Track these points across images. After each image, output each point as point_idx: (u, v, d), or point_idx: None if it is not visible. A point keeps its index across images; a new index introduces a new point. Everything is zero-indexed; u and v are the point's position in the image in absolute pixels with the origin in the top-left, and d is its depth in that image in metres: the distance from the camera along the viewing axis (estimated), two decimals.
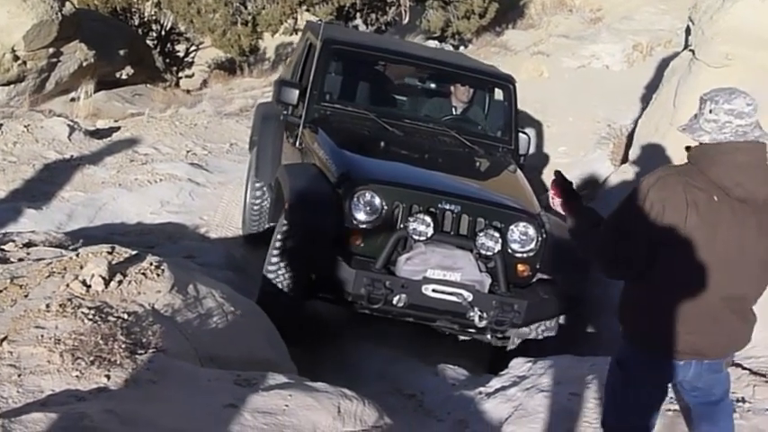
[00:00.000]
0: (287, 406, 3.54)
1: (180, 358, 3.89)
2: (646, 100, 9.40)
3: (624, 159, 7.99)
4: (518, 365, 5.19)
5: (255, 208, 7.51)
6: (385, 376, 5.55)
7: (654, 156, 7.10)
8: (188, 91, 16.78)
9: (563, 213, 3.65)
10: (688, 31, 7.86)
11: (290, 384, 3.79)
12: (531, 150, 7.41)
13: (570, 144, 10.16)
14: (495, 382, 5.07)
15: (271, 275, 5.50)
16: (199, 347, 4.19)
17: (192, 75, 20.07)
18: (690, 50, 7.51)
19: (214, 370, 3.95)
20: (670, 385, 3.49)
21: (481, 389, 5.06)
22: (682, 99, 6.96)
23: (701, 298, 3.20)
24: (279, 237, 5.56)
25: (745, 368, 4.88)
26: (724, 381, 3.48)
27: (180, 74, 19.56)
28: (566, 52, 13.38)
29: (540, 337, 5.74)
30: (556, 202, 3.66)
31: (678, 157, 6.71)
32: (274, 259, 5.50)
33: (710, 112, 3.18)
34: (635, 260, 3.24)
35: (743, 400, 4.47)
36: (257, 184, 7.50)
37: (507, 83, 7.05)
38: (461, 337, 6.02)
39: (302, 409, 3.54)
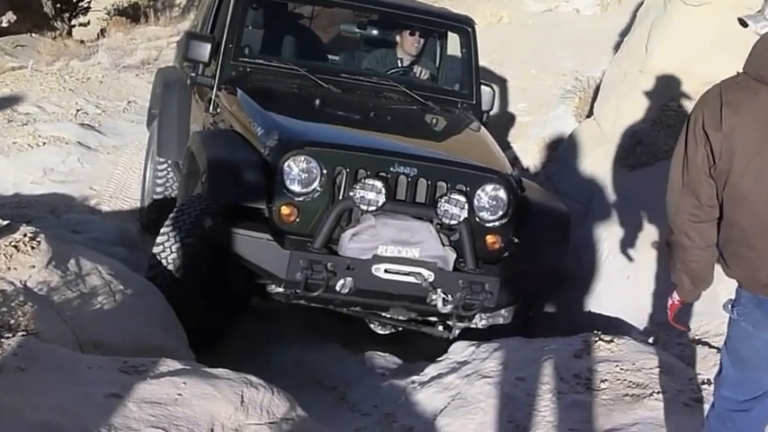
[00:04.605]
0: (180, 395, 3.54)
1: (56, 343, 3.88)
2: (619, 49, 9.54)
3: (590, 114, 8.12)
4: (459, 350, 5.23)
5: (159, 190, 7.43)
6: (303, 366, 5.58)
7: (621, 107, 7.22)
8: (82, 41, 16.61)
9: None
10: None
11: (185, 371, 3.79)
12: (495, 107, 7.42)
13: (532, 100, 10.28)
14: (431, 370, 5.11)
15: (158, 251, 5.37)
16: (79, 331, 4.18)
17: (88, 23, 19.87)
18: None
19: (96, 356, 3.95)
20: None
21: (414, 377, 5.10)
22: (655, 43, 7.08)
23: (766, 209, 3.23)
24: (179, 209, 5.49)
25: None
26: None
27: (73, 21, 19.36)
28: None
29: (487, 324, 5.79)
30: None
31: (650, 107, 6.94)
32: (165, 230, 5.40)
33: None
34: (701, 191, 3.32)
35: None
36: (160, 164, 7.42)
37: (465, 26, 7.02)
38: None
39: (198, 399, 3.54)
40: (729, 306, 3.46)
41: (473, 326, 5.71)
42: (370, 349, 5.89)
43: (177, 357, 4.20)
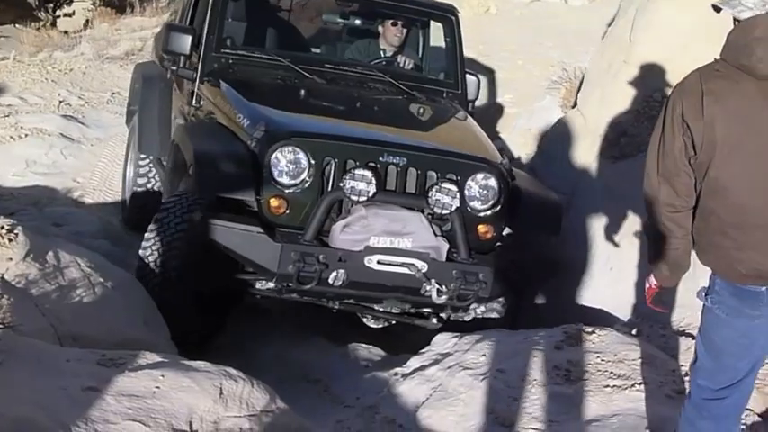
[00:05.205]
0: (158, 388, 3.55)
1: (34, 336, 3.89)
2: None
3: (575, 105, 8.13)
4: (441, 342, 5.26)
5: (140, 186, 7.40)
6: (286, 360, 5.59)
7: (605, 98, 7.22)
8: (65, 32, 16.57)
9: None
10: None
11: (163, 364, 3.80)
12: (480, 98, 7.43)
13: (518, 91, 10.29)
14: (414, 362, 5.14)
15: (146, 252, 5.33)
16: (58, 324, 4.18)
17: (73, 13, 19.78)
18: None
19: (75, 349, 3.95)
20: None
21: (397, 370, 5.13)
22: (639, 33, 7.08)
23: (747, 200, 3.24)
24: (166, 206, 5.44)
25: None
26: None
27: (57, 12, 19.27)
28: None
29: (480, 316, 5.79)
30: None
31: (634, 98, 6.96)
32: (153, 228, 5.35)
33: None
34: (677, 181, 3.33)
35: None
36: (142, 161, 7.39)
37: (448, 14, 7.04)
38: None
39: (176, 391, 3.56)
40: (703, 294, 3.48)
41: (467, 319, 5.70)
42: (353, 342, 5.92)
43: (157, 350, 4.20)
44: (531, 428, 4.30)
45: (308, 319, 6.08)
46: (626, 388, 4.48)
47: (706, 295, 3.46)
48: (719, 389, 3.49)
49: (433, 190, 5.20)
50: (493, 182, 5.42)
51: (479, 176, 5.41)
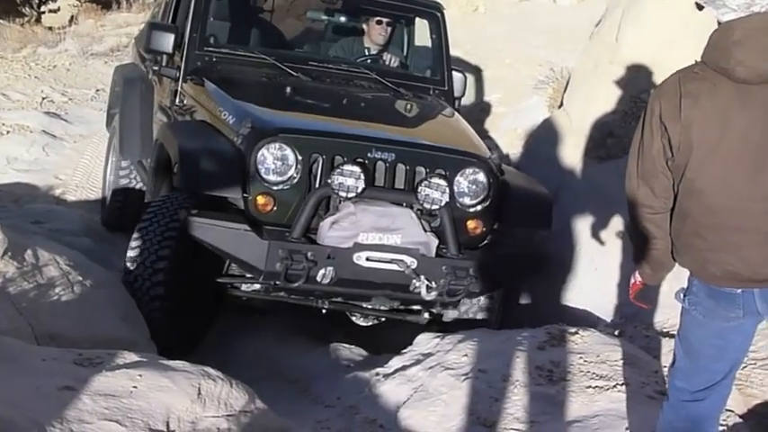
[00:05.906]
0: (135, 387, 3.54)
1: (10, 335, 3.88)
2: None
3: (562, 105, 8.14)
4: (423, 342, 5.27)
5: (120, 191, 7.37)
6: (266, 358, 5.58)
7: (591, 98, 7.24)
8: (50, 28, 16.54)
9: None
10: None
11: (141, 363, 3.79)
12: (468, 97, 7.42)
13: (506, 91, 10.29)
14: (395, 362, 5.14)
15: (133, 258, 5.24)
16: (35, 323, 4.17)
17: (58, 9, 19.73)
18: None
19: (51, 348, 3.94)
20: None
21: (378, 370, 5.12)
22: (625, 33, 7.10)
23: (721, 202, 3.25)
24: (153, 209, 5.38)
25: None
26: None
27: (42, 8, 19.24)
28: None
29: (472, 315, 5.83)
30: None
31: (620, 99, 6.97)
32: (140, 230, 5.28)
33: None
34: (655, 183, 3.36)
35: None
36: (123, 166, 7.37)
37: (434, 11, 7.05)
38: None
39: (153, 391, 3.55)
40: (681, 295, 3.49)
41: (450, 318, 5.70)
42: (335, 341, 5.91)
43: (137, 348, 4.20)
44: (512, 429, 4.31)
45: (290, 317, 6.06)
46: (608, 389, 4.49)
47: (684, 296, 3.48)
48: (697, 391, 3.51)
49: (422, 185, 5.18)
50: (482, 176, 5.42)
51: (468, 171, 5.41)
